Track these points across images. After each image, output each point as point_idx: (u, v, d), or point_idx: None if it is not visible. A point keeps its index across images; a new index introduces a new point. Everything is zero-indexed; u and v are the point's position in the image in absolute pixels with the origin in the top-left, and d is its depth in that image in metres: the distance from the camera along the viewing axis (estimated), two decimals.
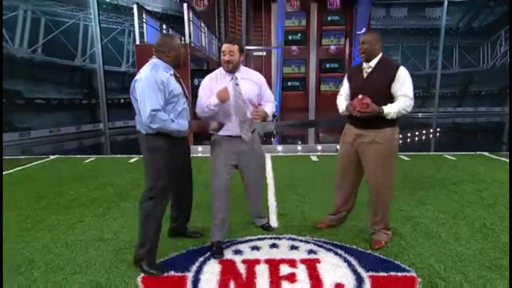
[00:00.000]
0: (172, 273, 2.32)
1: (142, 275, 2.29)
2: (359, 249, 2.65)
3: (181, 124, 2.33)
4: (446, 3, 15.71)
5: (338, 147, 7.20)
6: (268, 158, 6.26)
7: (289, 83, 16.23)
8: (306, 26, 16.03)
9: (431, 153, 7.05)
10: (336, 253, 2.60)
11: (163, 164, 2.36)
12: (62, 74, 9.89)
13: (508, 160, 5.77)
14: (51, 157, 6.59)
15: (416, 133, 10.06)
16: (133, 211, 3.26)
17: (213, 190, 2.66)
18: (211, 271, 2.34)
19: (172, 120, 2.28)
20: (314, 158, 6.32)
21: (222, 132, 2.59)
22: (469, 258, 2.50)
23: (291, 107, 15.54)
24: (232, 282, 2.22)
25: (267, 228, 3.05)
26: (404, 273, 2.31)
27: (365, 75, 2.60)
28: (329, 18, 15.98)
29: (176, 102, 2.37)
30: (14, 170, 5.51)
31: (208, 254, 2.56)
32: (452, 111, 16.78)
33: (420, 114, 16.19)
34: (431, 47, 16.66)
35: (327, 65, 16.42)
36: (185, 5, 7.74)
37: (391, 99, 2.49)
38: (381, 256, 2.54)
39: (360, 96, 2.48)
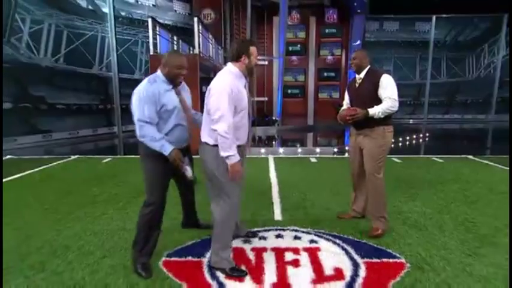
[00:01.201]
0: (189, 258, 2.46)
1: (164, 259, 2.43)
2: (355, 240, 2.77)
3: (164, 147, 2.20)
4: (434, 18, 15.89)
5: (335, 149, 7.38)
6: (271, 159, 6.39)
7: (289, 91, 16.43)
8: (305, 37, 16.26)
9: (421, 156, 7.15)
10: (335, 242, 2.74)
11: (156, 169, 2.28)
12: (81, 81, 10.09)
13: (490, 163, 5.88)
14: (72, 157, 6.71)
15: (407, 138, 10.17)
16: None
17: (232, 210, 2.28)
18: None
19: (156, 140, 2.18)
20: (313, 160, 6.43)
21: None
22: (452, 247, 2.63)
23: (291, 112, 15.71)
24: (243, 266, 2.35)
25: (252, 235, 2.83)
26: (395, 260, 2.45)
27: (357, 85, 2.95)
28: (326, 30, 16.21)
29: (168, 117, 2.28)
30: (40, 168, 5.65)
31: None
32: (440, 118, 16.89)
33: (411, 120, 16.31)
34: (421, 59, 16.80)
35: (325, 74, 16.63)
36: (195, 18, 7.93)
37: (379, 102, 2.76)
38: (375, 245, 2.67)
39: (347, 108, 2.96)
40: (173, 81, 2.30)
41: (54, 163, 6.10)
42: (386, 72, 2.84)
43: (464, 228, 3.00)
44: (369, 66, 2.90)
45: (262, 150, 7.37)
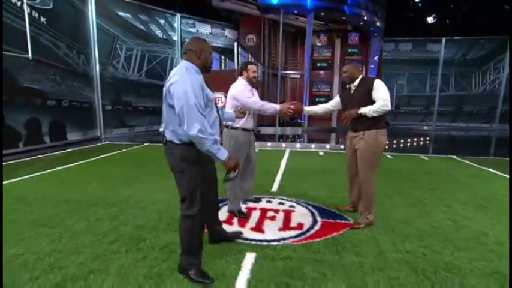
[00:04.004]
0: None
1: None
2: (324, 207, 3.03)
3: (221, 152, 1.64)
4: (444, 40, 14.83)
5: (342, 146, 7.34)
6: (287, 151, 6.69)
7: (316, 99, 16.42)
8: (331, 56, 16.13)
9: (411, 154, 6.65)
10: (307, 208, 3.05)
11: (199, 177, 1.72)
12: (155, 90, 11.13)
13: (469, 162, 5.59)
14: (145, 144, 7.67)
15: (408, 140, 9.70)
16: None
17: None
18: (224, 211, 2.91)
19: (216, 141, 1.63)
20: (321, 153, 6.54)
21: (241, 125, 2.61)
22: (393, 216, 2.81)
23: (318, 116, 15.68)
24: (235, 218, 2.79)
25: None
26: (345, 221, 2.71)
27: (351, 91, 2.69)
28: (349, 50, 15.87)
29: (211, 107, 1.77)
30: (124, 150, 6.65)
31: (225, 202, 2.98)
32: (447, 125, 15.70)
33: (426, 127, 15.36)
34: (431, 74, 15.68)
35: (347, 86, 16.29)
36: (235, 43, 8.54)
37: (372, 103, 2.50)
38: (336, 212, 2.93)
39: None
40: (209, 68, 1.79)
41: (133, 148, 7.09)
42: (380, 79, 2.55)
43: (413, 206, 3.11)
44: (361, 76, 2.64)
45: (283, 144, 7.61)
